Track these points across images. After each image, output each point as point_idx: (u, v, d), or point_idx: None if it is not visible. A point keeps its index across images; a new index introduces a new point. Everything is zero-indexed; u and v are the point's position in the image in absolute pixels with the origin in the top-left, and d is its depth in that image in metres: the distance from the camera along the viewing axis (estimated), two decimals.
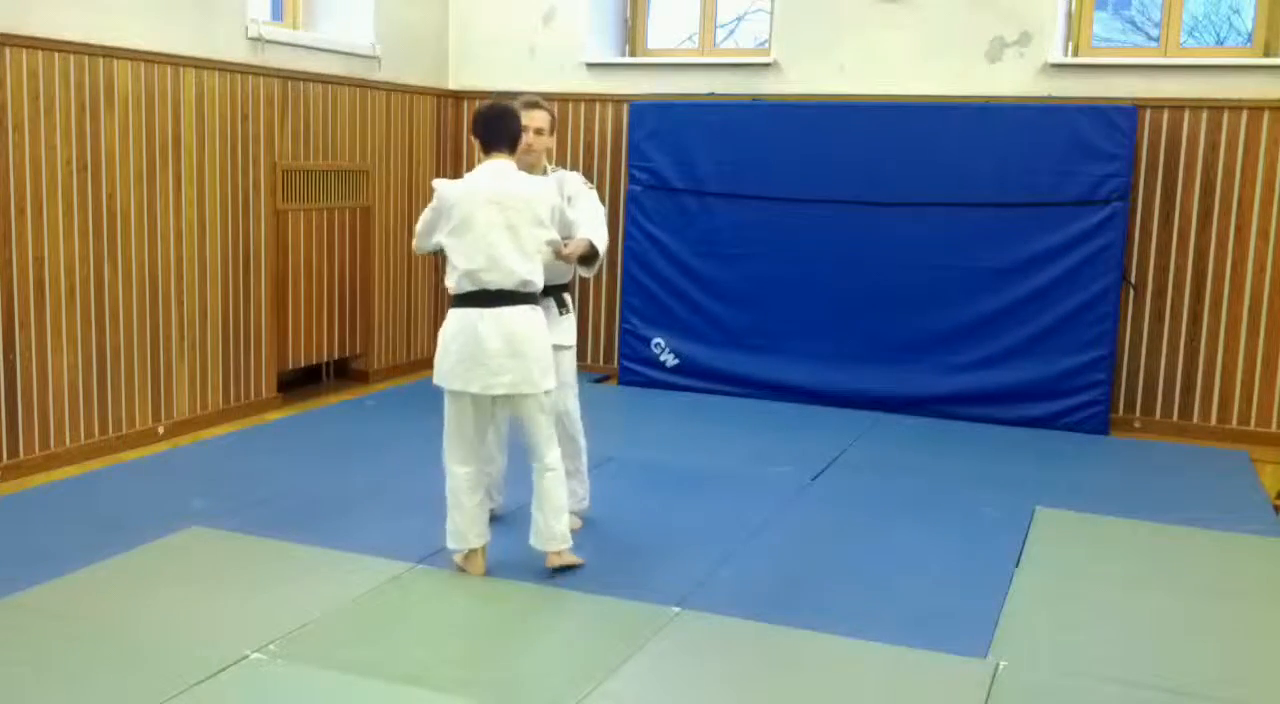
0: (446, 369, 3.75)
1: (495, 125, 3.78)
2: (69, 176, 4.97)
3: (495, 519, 4.11)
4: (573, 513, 4.27)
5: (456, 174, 7.46)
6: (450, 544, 3.87)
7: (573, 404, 4.26)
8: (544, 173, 4.09)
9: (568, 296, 4.28)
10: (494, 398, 3.79)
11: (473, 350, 3.68)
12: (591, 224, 4.06)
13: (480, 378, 3.70)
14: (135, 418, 5.39)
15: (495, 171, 3.76)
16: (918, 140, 6.27)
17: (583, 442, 4.33)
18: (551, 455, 3.85)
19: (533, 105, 4.04)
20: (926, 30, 6.45)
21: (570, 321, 4.27)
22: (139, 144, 5.28)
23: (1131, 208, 6.11)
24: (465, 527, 3.83)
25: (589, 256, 4.03)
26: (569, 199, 4.08)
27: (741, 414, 6.29)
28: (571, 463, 4.21)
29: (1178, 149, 6.09)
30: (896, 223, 6.33)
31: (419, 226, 3.87)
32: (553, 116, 4.13)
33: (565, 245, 3.88)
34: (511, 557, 4.01)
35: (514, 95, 4.12)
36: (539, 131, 4.03)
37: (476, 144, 3.84)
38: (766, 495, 4.84)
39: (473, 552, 3.86)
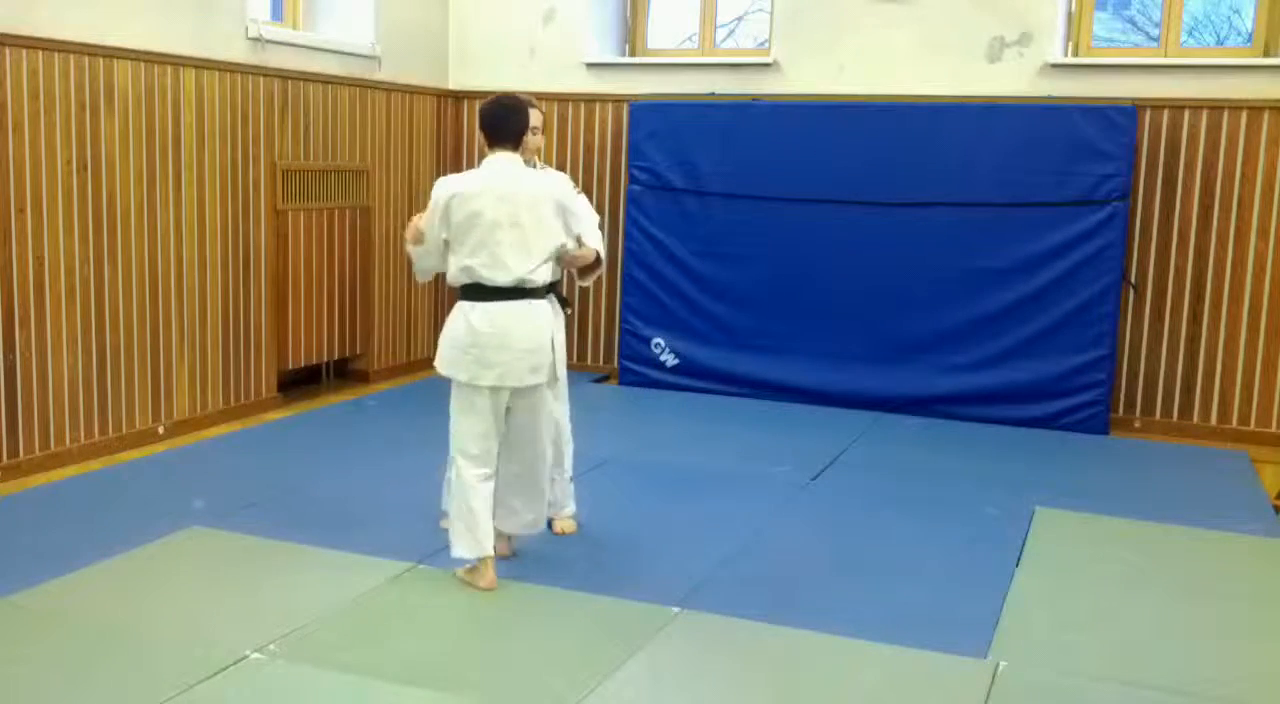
0: (445, 357, 3.73)
1: (503, 119, 3.75)
2: (69, 176, 4.97)
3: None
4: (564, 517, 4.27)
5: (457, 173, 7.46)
6: (456, 552, 3.73)
7: (560, 410, 4.15)
8: None
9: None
10: (492, 391, 3.69)
11: (469, 340, 3.66)
12: (591, 234, 4.04)
13: (467, 367, 3.67)
14: (135, 418, 5.38)
15: (502, 167, 3.73)
16: (918, 140, 6.27)
17: (567, 449, 4.24)
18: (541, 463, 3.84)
19: (527, 103, 3.98)
20: (926, 30, 6.45)
21: (560, 321, 4.13)
22: (139, 144, 5.28)
23: (1131, 208, 6.11)
24: (472, 531, 3.70)
25: (589, 267, 4.02)
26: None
27: (741, 414, 6.29)
28: (551, 470, 4.08)
29: (1178, 149, 6.09)
30: (896, 223, 6.33)
31: (420, 247, 3.76)
32: (543, 115, 4.11)
33: (571, 257, 3.87)
34: (510, 558, 4.01)
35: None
36: (534, 129, 3.98)
37: (482, 137, 3.80)
38: (766, 495, 4.84)
39: (481, 561, 3.73)
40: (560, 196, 3.79)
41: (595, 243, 4.00)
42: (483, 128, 3.78)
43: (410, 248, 3.85)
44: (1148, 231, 6.20)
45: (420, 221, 3.78)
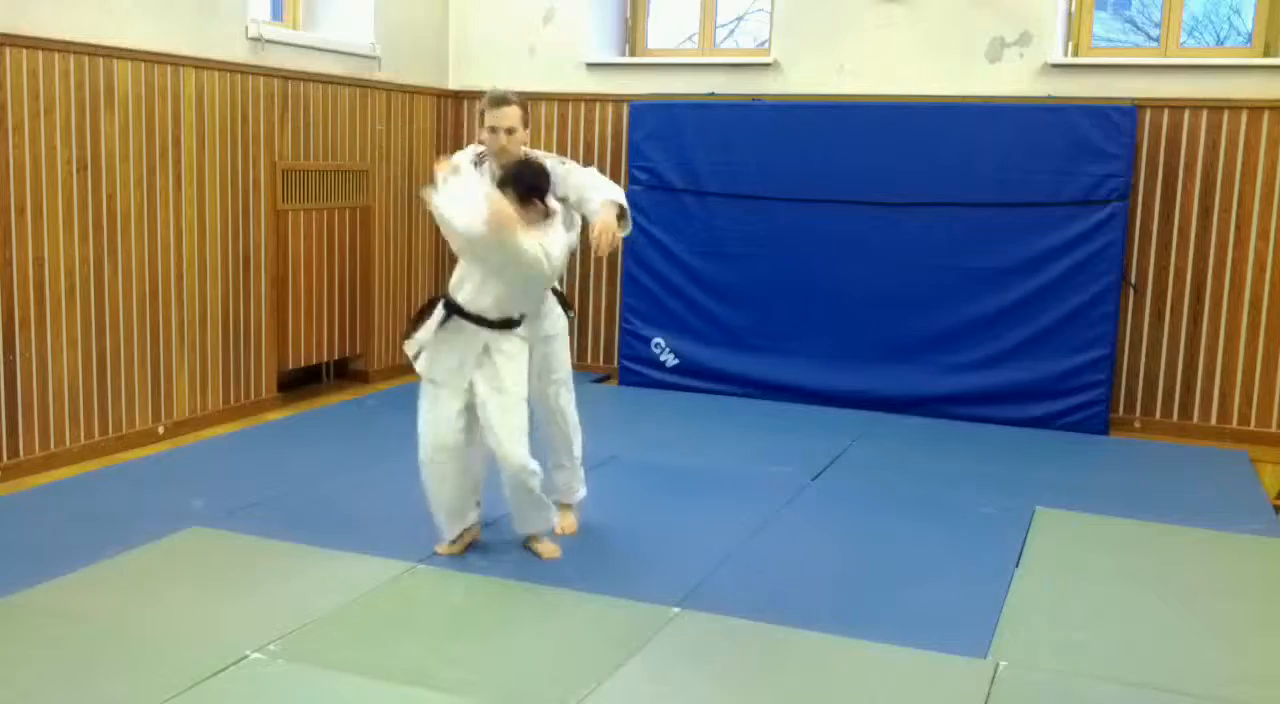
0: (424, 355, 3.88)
1: (529, 185, 3.75)
2: (69, 176, 4.97)
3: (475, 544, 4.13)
4: (568, 506, 4.28)
5: None
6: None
7: (565, 399, 4.21)
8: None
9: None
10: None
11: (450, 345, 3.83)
12: (597, 187, 3.95)
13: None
14: (135, 418, 5.38)
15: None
16: (917, 140, 6.26)
17: (575, 437, 4.26)
18: (516, 454, 3.84)
19: (500, 101, 3.92)
20: (926, 30, 6.45)
21: (558, 311, 4.18)
22: (139, 144, 5.28)
23: (1131, 208, 6.11)
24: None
25: (620, 216, 3.95)
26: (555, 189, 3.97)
27: (741, 414, 6.29)
28: (561, 457, 4.22)
29: (1178, 149, 6.09)
30: (896, 223, 6.33)
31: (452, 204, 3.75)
32: (525, 110, 3.99)
33: (598, 234, 3.79)
34: (510, 558, 4.01)
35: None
36: (510, 131, 3.92)
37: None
38: (766, 495, 4.84)
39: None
40: (563, 245, 3.82)
41: (607, 192, 3.92)
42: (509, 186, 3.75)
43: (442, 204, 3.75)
44: (1148, 231, 6.20)
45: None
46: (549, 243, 3.73)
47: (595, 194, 3.93)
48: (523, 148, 4.01)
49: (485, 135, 3.98)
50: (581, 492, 4.35)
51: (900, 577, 3.98)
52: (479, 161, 4.02)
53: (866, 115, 6.38)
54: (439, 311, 3.83)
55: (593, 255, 4.24)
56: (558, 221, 3.82)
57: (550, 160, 3.99)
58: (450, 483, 3.94)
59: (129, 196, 5.26)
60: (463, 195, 3.68)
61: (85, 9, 4.99)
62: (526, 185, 3.73)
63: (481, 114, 4.00)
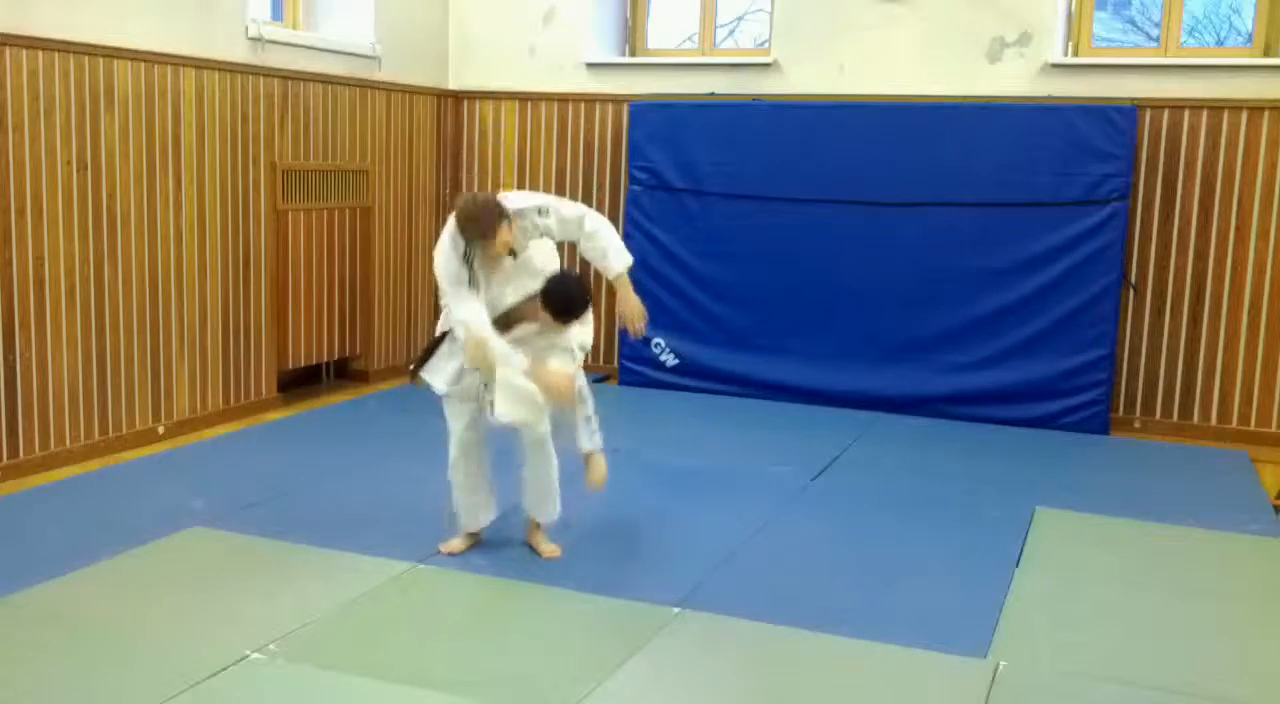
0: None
1: (585, 308, 3.88)
2: (69, 176, 4.97)
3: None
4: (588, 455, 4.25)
5: (456, 175, 7.46)
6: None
7: (559, 361, 4.09)
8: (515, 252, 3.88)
9: None
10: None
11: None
12: (599, 236, 3.89)
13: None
14: (135, 418, 5.38)
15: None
16: (917, 140, 6.27)
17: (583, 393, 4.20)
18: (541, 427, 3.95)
19: (486, 231, 3.67)
20: (926, 30, 6.45)
21: None
22: (139, 144, 5.28)
23: (1131, 208, 6.11)
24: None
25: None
26: (543, 234, 3.91)
27: (741, 414, 6.29)
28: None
29: (1178, 149, 6.09)
30: (896, 223, 6.33)
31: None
32: (508, 217, 3.74)
33: (631, 317, 3.92)
34: (510, 558, 4.01)
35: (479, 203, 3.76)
36: (506, 242, 3.73)
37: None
38: (766, 495, 4.84)
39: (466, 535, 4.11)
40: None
41: (616, 255, 3.91)
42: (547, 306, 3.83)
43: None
44: (1148, 231, 6.19)
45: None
46: (584, 332, 3.97)
47: (604, 257, 3.89)
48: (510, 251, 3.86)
49: (476, 253, 3.75)
50: (585, 444, 4.23)
51: (900, 577, 3.98)
52: (467, 252, 3.76)
53: (866, 115, 6.38)
54: (459, 358, 3.89)
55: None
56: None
57: (530, 212, 3.85)
58: (476, 478, 4.06)
59: (129, 196, 5.26)
60: (518, 393, 3.75)
61: (86, 9, 4.98)
62: (583, 307, 3.87)
63: (465, 242, 3.71)
